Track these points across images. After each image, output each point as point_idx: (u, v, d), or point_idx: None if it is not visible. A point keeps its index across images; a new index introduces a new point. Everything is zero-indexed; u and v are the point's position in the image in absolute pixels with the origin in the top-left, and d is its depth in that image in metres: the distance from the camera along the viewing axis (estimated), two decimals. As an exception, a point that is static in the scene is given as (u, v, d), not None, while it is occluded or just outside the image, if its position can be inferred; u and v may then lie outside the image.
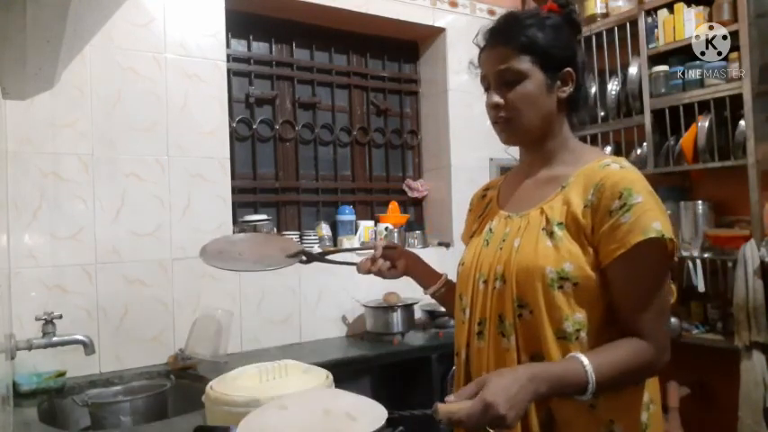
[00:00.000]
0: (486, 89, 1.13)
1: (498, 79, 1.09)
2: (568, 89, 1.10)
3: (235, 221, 2.44)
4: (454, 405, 0.87)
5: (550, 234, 1.03)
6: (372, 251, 1.31)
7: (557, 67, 1.08)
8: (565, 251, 1.00)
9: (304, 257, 1.38)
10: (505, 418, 0.84)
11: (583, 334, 0.99)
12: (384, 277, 1.30)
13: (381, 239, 1.41)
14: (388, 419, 0.93)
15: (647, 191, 0.99)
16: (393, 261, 1.30)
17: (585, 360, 0.93)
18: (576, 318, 0.99)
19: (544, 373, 0.91)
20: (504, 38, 1.08)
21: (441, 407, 0.87)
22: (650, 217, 0.96)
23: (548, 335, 1.00)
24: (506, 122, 1.09)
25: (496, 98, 1.08)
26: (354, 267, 1.32)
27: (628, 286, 0.99)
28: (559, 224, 1.03)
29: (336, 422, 0.93)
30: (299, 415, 0.96)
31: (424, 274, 1.34)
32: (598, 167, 1.04)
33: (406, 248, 1.40)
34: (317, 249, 2.60)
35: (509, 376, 0.89)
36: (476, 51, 1.18)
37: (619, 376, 0.95)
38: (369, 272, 1.29)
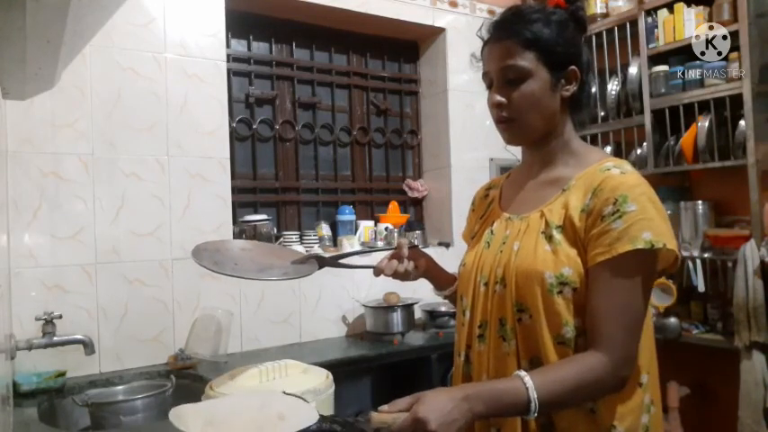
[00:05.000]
0: (489, 86, 1.09)
1: (501, 77, 1.05)
2: (572, 88, 1.07)
3: (235, 221, 2.44)
4: (388, 416, 0.87)
5: (549, 238, 1.01)
6: (383, 253, 1.22)
7: (561, 64, 1.05)
8: (563, 255, 0.99)
9: (316, 263, 1.24)
10: None
11: (582, 340, 0.98)
12: (405, 279, 1.22)
13: (403, 239, 1.30)
14: (323, 422, 0.95)
15: (646, 197, 0.96)
16: (416, 261, 1.22)
17: (527, 378, 0.90)
18: (576, 323, 0.98)
19: (481, 393, 0.89)
20: (507, 32, 1.05)
21: (374, 416, 0.87)
22: (641, 227, 0.93)
23: (546, 340, 0.98)
24: (509, 122, 1.06)
25: (499, 98, 1.05)
26: (369, 270, 1.21)
27: (603, 293, 0.95)
28: (558, 228, 1.01)
29: (266, 419, 0.95)
30: (233, 407, 0.98)
31: (439, 275, 1.29)
32: (599, 171, 1.02)
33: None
34: (317, 249, 2.59)
35: (444, 394, 0.88)
36: (476, 48, 1.15)
37: (567, 394, 0.92)
38: (394, 273, 1.19)
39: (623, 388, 0.97)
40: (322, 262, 1.25)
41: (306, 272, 1.24)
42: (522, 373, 0.92)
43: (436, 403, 0.86)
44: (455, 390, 0.92)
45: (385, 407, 0.88)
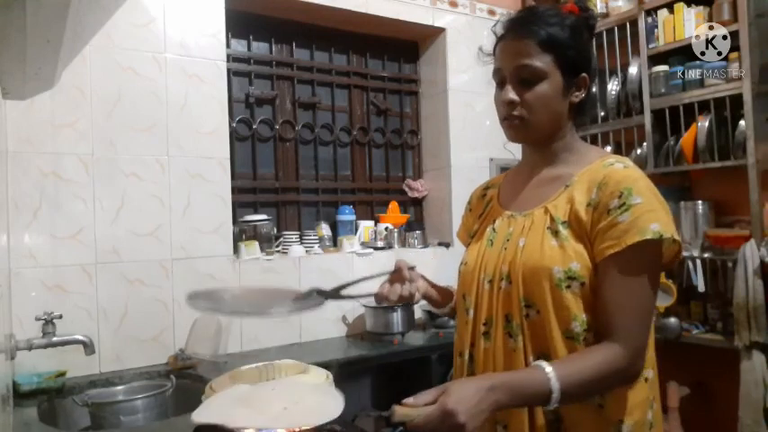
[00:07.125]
0: (499, 83, 1.09)
1: (516, 76, 1.05)
2: (581, 95, 1.09)
3: (235, 221, 2.44)
4: (413, 410, 0.85)
5: (555, 233, 1.02)
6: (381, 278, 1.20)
7: (575, 70, 1.07)
8: (571, 250, 1.00)
9: (321, 297, 1.22)
10: (464, 427, 0.83)
11: (590, 335, 0.99)
12: (409, 302, 1.19)
13: (401, 260, 1.26)
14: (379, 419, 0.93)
15: (649, 191, 0.98)
16: (416, 282, 1.20)
17: (549, 369, 0.91)
18: (584, 318, 0.99)
19: (505, 384, 0.90)
20: (526, 31, 1.05)
21: (397, 409, 0.85)
22: (648, 218, 0.95)
23: (555, 335, 0.99)
24: (517, 121, 1.07)
25: (512, 95, 1.05)
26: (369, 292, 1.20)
27: (614, 286, 0.97)
28: (563, 223, 1.02)
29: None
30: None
31: (437, 292, 1.27)
32: (602, 166, 1.04)
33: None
34: (316, 249, 2.59)
35: (471, 385, 0.89)
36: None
37: (587, 385, 0.93)
38: (400, 298, 1.16)
39: (637, 379, 0.98)
40: (324, 295, 1.23)
41: (313, 305, 1.21)
42: (544, 363, 0.92)
43: (464, 395, 0.86)
44: (480, 380, 0.92)
45: (410, 400, 0.87)
